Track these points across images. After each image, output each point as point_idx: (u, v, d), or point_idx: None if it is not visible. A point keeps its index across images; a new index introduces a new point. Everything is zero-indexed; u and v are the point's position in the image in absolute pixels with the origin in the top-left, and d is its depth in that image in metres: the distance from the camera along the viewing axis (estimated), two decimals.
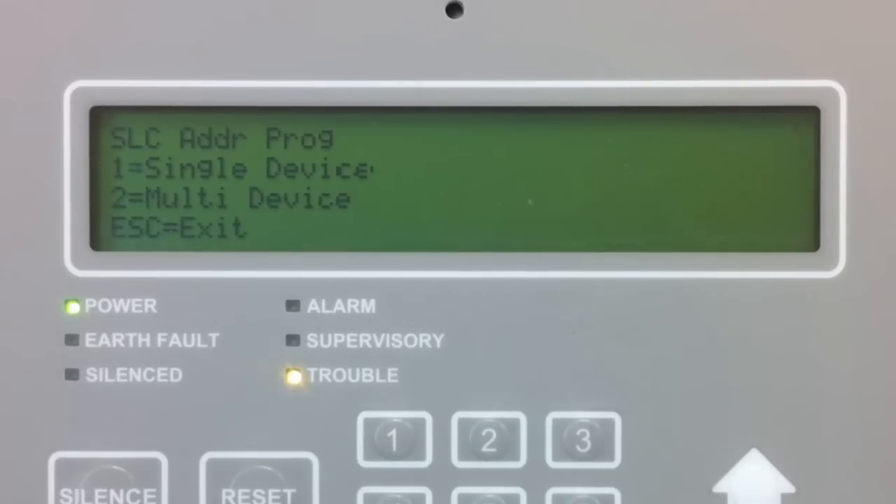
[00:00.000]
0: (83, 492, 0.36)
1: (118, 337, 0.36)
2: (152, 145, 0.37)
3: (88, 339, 0.36)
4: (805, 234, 0.36)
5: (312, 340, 0.36)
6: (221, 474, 0.36)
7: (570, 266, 0.36)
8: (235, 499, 0.36)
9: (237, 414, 0.36)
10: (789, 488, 0.36)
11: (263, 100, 0.36)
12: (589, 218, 0.36)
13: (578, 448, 0.36)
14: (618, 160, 0.36)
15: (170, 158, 0.37)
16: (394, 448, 0.36)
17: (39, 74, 0.36)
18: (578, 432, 0.36)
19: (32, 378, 0.36)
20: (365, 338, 0.36)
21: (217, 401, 0.36)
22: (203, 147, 0.37)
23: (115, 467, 0.36)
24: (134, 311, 0.36)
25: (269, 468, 0.36)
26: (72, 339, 0.36)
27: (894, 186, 0.36)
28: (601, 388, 0.36)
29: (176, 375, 0.36)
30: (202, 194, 0.37)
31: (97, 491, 0.36)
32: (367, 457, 0.36)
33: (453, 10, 0.36)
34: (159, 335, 0.36)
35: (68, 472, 0.36)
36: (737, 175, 0.36)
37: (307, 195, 0.37)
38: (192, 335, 0.36)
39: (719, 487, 0.36)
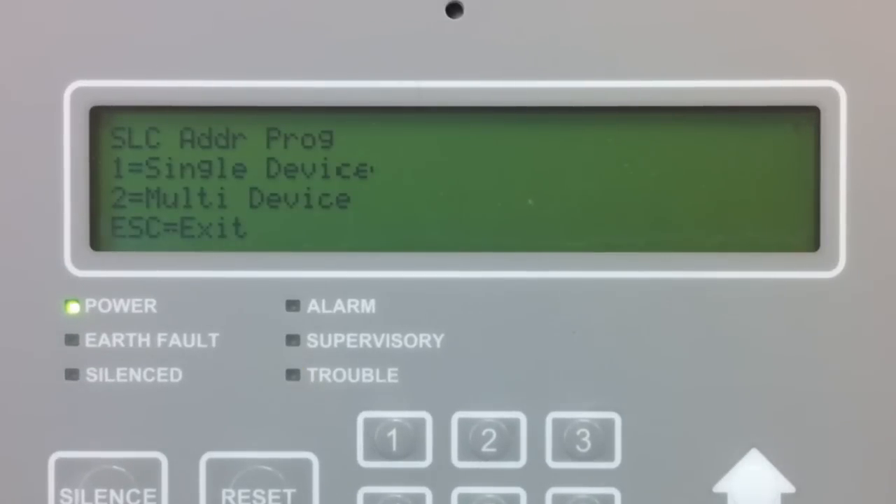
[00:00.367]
0: (83, 492, 0.36)
1: (118, 337, 0.36)
2: (152, 145, 0.37)
3: (88, 339, 0.36)
4: (805, 234, 0.36)
5: (312, 340, 0.36)
6: (221, 474, 0.36)
7: (570, 266, 0.36)
8: (235, 499, 0.36)
9: (237, 414, 0.36)
10: (789, 488, 0.36)
11: (263, 100, 0.36)
12: (589, 218, 0.36)
13: (578, 448, 0.36)
14: (618, 160, 0.36)
15: (170, 158, 0.37)
16: (394, 448, 0.36)
17: (39, 74, 0.36)
18: (578, 432, 0.36)
19: (32, 378, 0.36)
20: (365, 338, 0.36)
21: (217, 401, 0.36)
22: (203, 147, 0.37)
23: (115, 467, 0.36)
24: (134, 311, 0.36)
25: (269, 468, 0.36)
26: (72, 339, 0.36)
27: (894, 186, 0.36)
28: (601, 388, 0.36)
29: (176, 375, 0.36)
30: (202, 194, 0.37)
31: (97, 491, 0.36)
32: (367, 457, 0.36)
33: (453, 10, 0.36)
34: (159, 335, 0.36)
35: (68, 472, 0.36)
36: (737, 175, 0.36)
37: (307, 195, 0.37)
38: (192, 335, 0.36)
39: (719, 487, 0.36)
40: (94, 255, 0.36)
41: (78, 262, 0.36)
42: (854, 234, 0.36)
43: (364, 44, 0.36)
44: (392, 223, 0.37)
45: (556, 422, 0.36)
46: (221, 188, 0.37)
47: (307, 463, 0.36)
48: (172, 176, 0.37)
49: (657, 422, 0.36)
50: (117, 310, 0.36)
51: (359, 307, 0.36)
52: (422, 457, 0.36)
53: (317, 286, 0.36)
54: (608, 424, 0.36)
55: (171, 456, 0.36)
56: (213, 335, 0.36)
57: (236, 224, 0.37)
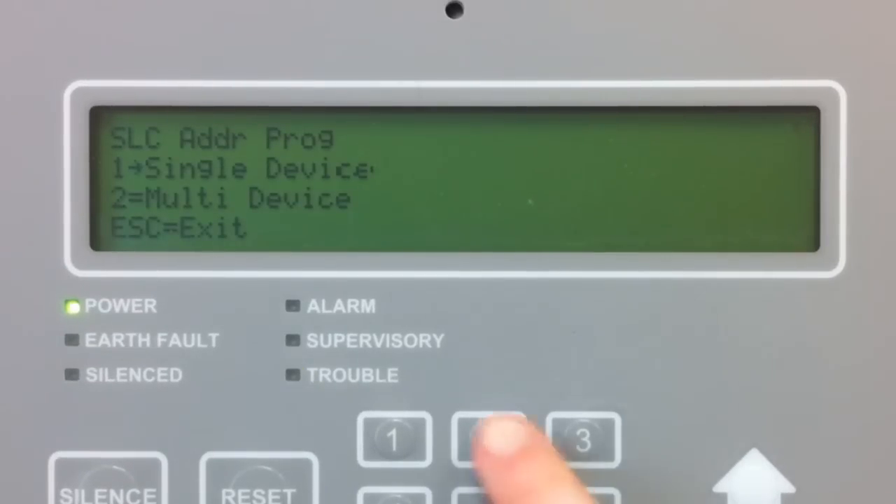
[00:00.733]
0: (83, 492, 0.36)
1: (118, 337, 0.36)
2: (152, 145, 0.37)
3: (88, 339, 0.36)
4: (805, 234, 0.36)
5: (312, 340, 0.36)
6: (221, 474, 0.36)
7: (570, 266, 0.36)
8: (235, 499, 0.36)
9: (237, 414, 0.36)
10: (789, 488, 0.36)
11: (263, 100, 0.36)
12: (589, 218, 0.36)
13: (578, 448, 0.36)
14: (618, 160, 0.36)
15: (170, 158, 0.37)
16: (394, 448, 0.36)
17: (39, 74, 0.36)
18: (578, 432, 0.36)
19: (32, 378, 0.36)
20: (365, 338, 0.36)
21: (217, 401, 0.36)
22: (203, 147, 0.37)
23: (115, 467, 0.36)
24: (134, 311, 0.36)
25: (269, 468, 0.36)
26: (72, 339, 0.36)
27: (894, 186, 0.36)
28: (601, 388, 0.36)
29: (176, 375, 0.36)
30: (202, 194, 0.37)
31: (97, 491, 0.36)
32: (367, 457, 0.36)
33: (453, 10, 0.36)
34: (159, 335, 0.36)
35: (68, 472, 0.36)
36: (737, 175, 0.36)
37: (307, 195, 0.37)
38: (192, 335, 0.36)
39: (719, 487, 0.36)
40: (94, 255, 0.36)
41: (78, 262, 0.36)
42: (854, 234, 0.36)
43: (364, 44, 0.36)
44: (392, 223, 0.37)
45: (556, 422, 0.36)
46: (221, 188, 0.37)
47: (307, 463, 0.36)
48: (172, 176, 0.37)
49: (657, 422, 0.36)
50: (117, 310, 0.36)
51: (359, 307, 0.36)
52: (422, 457, 0.36)
53: (317, 286, 0.36)
54: (608, 424, 0.36)
55: (171, 456, 0.36)
56: (213, 335, 0.36)
57: (236, 224, 0.37)
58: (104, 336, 0.36)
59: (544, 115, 0.36)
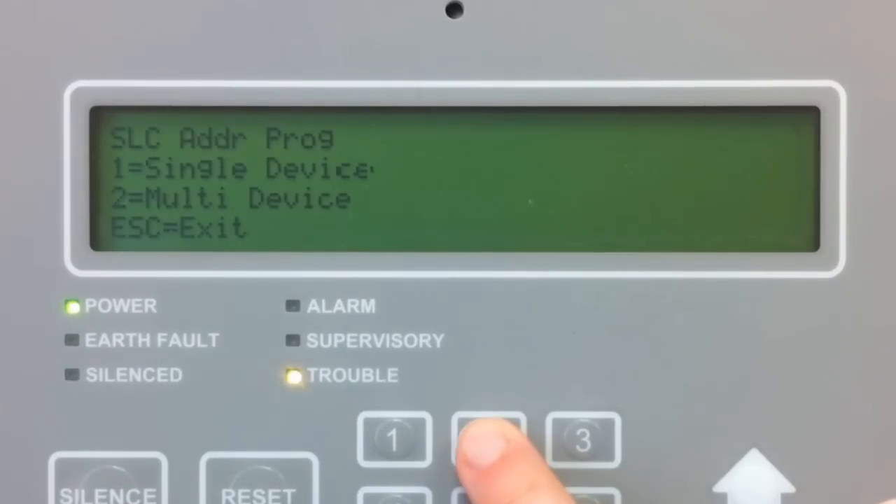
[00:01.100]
0: (83, 492, 0.36)
1: (118, 337, 0.36)
2: (152, 145, 0.37)
3: (88, 339, 0.36)
4: (805, 234, 0.36)
5: (312, 340, 0.36)
6: (221, 474, 0.36)
7: (570, 266, 0.36)
8: (235, 499, 0.36)
9: (237, 414, 0.36)
10: (789, 488, 0.36)
11: (263, 100, 0.36)
12: (589, 218, 0.36)
13: (578, 448, 0.36)
14: (618, 160, 0.36)
15: (170, 158, 0.37)
16: (394, 448, 0.36)
17: (39, 74, 0.36)
18: (578, 432, 0.36)
19: (32, 378, 0.36)
20: (365, 338, 0.36)
21: (217, 401, 0.36)
22: (203, 147, 0.37)
23: (115, 467, 0.36)
24: (134, 311, 0.36)
25: (269, 468, 0.36)
26: (72, 339, 0.36)
27: (894, 186, 0.36)
28: (601, 388, 0.36)
29: (176, 375, 0.36)
30: (202, 194, 0.37)
31: (97, 491, 0.36)
32: (367, 457, 0.36)
33: (453, 10, 0.36)
34: (159, 335, 0.36)
35: (68, 472, 0.36)
36: (737, 175, 0.36)
37: (307, 195, 0.37)
38: (192, 335, 0.36)
39: (719, 487, 0.36)
40: (94, 255, 0.36)
41: (78, 262, 0.36)
42: (854, 234, 0.36)
43: (364, 44, 0.36)
44: (392, 223, 0.37)
45: (556, 422, 0.36)
46: (221, 188, 0.37)
47: (307, 463, 0.36)
48: (172, 176, 0.37)
49: (657, 422, 0.36)
50: (117, 310, 0.36)
51: (359, 307, 0.36)
52: (422, 457, 0.36)
53: (317, 286, 0.36)
54: (608, 424, 0.36)
55: (171, 456, 0.36)
56: (213, 335, 0.36)
57: (236, 224, 0.37)
58: (104, 336, 0.36)
59: (544, 115, 0.36)
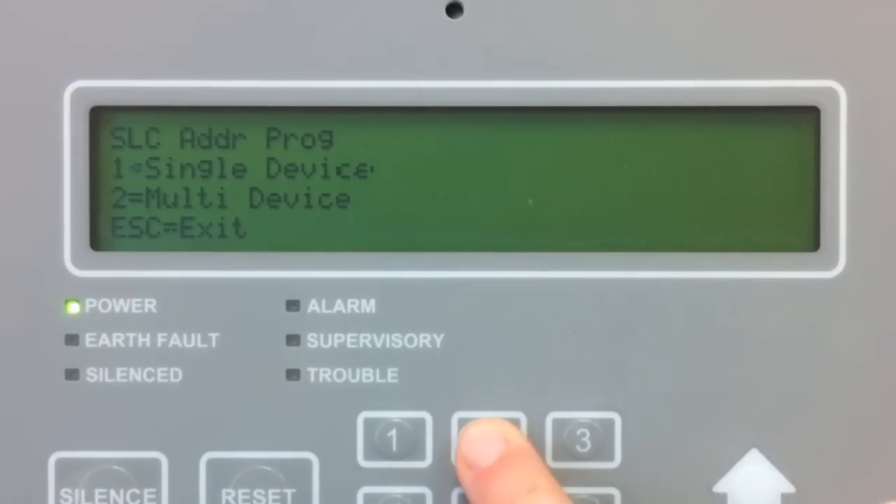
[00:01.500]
0: (83, 492, 0.36)
1: (118, 337, 0.36)
2: (152, 145, 0.37)
3: (88, 339, 0.36)
4: (805, 234, 0.36)
5: (312, 340, 0.36)
6: (221, 474, 0.36)
7: (570, 266, 0.36)
8: (235, 499, 0.36)
9: (237, 414, 0.36)
10: (789, 488, 0.36)
11: (263, 100, 0.36)
12: (589, 218, 0.36)
13: (578, 448, 0.36)
14: (618, 160, 0.36)
15: (170, 158, 0.37)
16: (394, 448, 0.36)
17: (39, 74, 0.36)
18: (578, 432, 0.36)
19: (32, 378, 0.36)
20: (365, 338, 0.36)
21: (217, 401, 0.36)
22: (203, 147, 0.37)
23: (115, 467, 0.36)
24: (134, 311, 0.36)
25: (269, 468, 0.36)
26: (72, 339, 0.36)
27: (894, 186, 0.36)
28: (601, 388, 0.36)
29: (176, 375, 0.36)
30: (202, 194, 0.37)
31: (97, 491, 0.36)
32: (367, 457, 0.36)
33: (453, 10, 0.36)
34: (159, 335, 0.36)
35: (68, 472, 0.36)
36: (737, 175, 0.36)
37: (307, 195, 0.37)
38: (192, 335, 0.36)
39: (719, 487, 0.36)
40: (94, 255, 0.36)
41: (78, 262, 0.36)
42: (854, 234, 0.36)
43: (364, 44, 0.36)
44: (392, 223, 0.37)
45: (556, 422, 0.36)
46: (221, 188, 0.37)
47: (307, 463, 0.36)
48: (172, 176, 0.37)
49: (657, 422, 0.36)
50: (117, 310, 0.36)
51: (359, 307, 0.36)
52: (422, 457, 0.36)
53: (317, 286, 0.36)
54: (608, 424, 0.36)
55: (171, 456, 0.36)
56: (213, 335, 0.36)
57: (236, 224, 0.37)
58: (104, 336, 0.36)
59: (544, 115, 0.36)
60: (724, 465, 0.36)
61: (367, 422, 0.36)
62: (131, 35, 0.36)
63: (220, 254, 0.36)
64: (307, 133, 0.37)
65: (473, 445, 0.34)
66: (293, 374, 0.36)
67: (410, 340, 0.36)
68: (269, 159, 0.37)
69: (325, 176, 0.37)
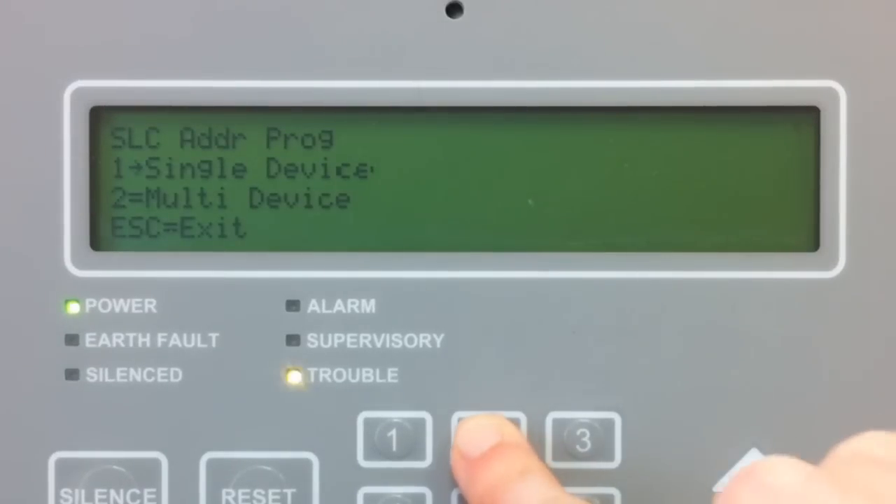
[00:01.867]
0: (83, 492, 0.36)
1: (118, 337, 0.36)
2: (152, 145, 0.37)
3: (88, 339, 0.36)
4: (805, 234, 0.36)
5: (312, 340, 0.36)
6: (221, 474, 0.36)
7: (570, 266, 0.36)
8: (235, 499, 0.36)
9: (237, 414, 0.36)
10: None
11: (263, 100, 0.36)
12: (589, 218, 0.36)
13: (578, 448, 0.36)
14: (618, 160, 0.36)
15: (170, 158, 0.37)
16: (394, 448, 0.36)
17: (39, 74, 0.36)
18: (578, 432, 0.36)
19: (32, 378, 0.36)
20: (365, 338, 0.36)
21: (217, 401, 0.36)
22: (203, 147, 0.37)
23: (115, 467, 0.36)
24: (134, 311, 0.36)
25: (269, 468, 0.36)
26: (72, 339, 0.36)
27: (894, 186, 0.36)
28: (601, 388, 0.36)
29: (176, 375, 0.36)
30: (202, 194, 0.37)
31: (97, 491, 0.36)
32: (367, 457, 0.36)
33: (453, 10, 0.36)
34: (159, 335, 0.36)
35: (68, 472, 0.36)
36: (737, 175, 0.36)
37: (307, 195, 0.37)
38: (192, 335, 0.36)
39: (719, 487, 0.36)
40: (94, 255, 0.36)
41: (78, 262, 0.36)
42: (854, 234, 0.36)
43: (364, 44, 0.36)
44: (392, 223, 0.37)
45: (556, 422, 0.36)
46: (221, 188, 0.37)
47: (307, 463, 0.36)
48: (172, 176, 0.37)
49: (657, 422, 0.36)
50: (117, 310, 0.36)
51: (359, 307, 0.36)
52: (422, 457, 0.36)
53: (317, 286, 0.36)
54: (608, 424, 0.36)
55: (171, 456, 0.36)
56: (213, 335, 0.36)
57: (236, 224, 0.37)
58: (104, 336, 0.36)
59: (544, 115, 0.36)
60: (724, 465, 0.36)
61: (367, 422, 0.36)
62: (131, 35, 0.36)
63: (220, 254, 0.36)
64: (307, 133, 0.37)
65: (468, 435, 0.34)
66: (291, 374, 0.36)
67: (410, 340, 0.36)
68: (269, 159, 0.37)
69: (325, 176, 0.37)
